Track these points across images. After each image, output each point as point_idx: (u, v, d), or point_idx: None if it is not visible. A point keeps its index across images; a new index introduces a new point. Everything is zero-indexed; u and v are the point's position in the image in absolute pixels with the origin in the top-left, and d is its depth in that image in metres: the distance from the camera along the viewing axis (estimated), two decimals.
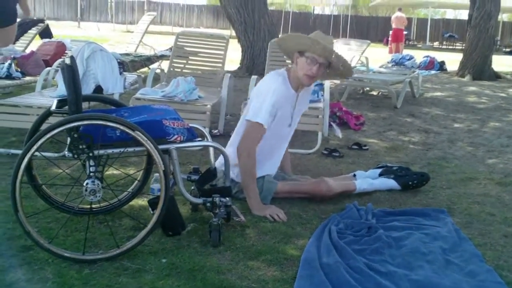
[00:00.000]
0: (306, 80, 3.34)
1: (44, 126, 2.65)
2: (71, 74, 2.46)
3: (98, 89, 5.14)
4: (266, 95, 3.29)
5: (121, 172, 3.68)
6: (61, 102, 2.73)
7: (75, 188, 3.28)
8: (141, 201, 3.34)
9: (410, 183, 3.82)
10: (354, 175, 3.91)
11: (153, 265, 2.57)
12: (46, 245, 2.51)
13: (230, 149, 3.40)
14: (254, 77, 5.53)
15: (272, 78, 3.40)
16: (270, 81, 3.37)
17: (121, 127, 2.46)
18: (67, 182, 3.56)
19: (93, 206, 2.99)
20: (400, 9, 20.34)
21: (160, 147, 2.58)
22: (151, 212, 2.95)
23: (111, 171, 3.80)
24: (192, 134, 2.80)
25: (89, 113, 2.51)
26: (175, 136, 2.69)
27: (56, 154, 4.04)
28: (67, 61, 2.44)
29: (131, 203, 3.25)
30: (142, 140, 2.48)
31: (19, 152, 2.54)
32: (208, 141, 2.98)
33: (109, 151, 2.60)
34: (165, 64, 7.42)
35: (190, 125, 2.95)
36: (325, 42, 3.23)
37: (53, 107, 2.65)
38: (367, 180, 3.77)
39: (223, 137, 5.15)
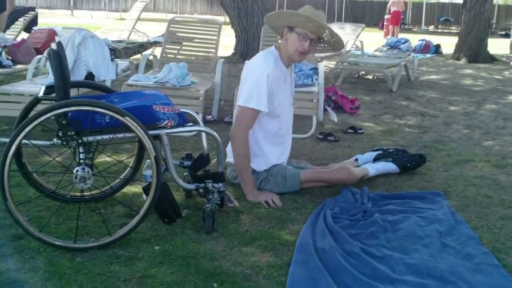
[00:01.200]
0: (297, 56, 3.26)
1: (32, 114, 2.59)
2: (57, 59, 2.40)
3: (90, 76, 5.08)
4: (255, 79, 3.21)
5: (113, 159, 3.64)
6: (49, 89, 2.67)
7: (67, 176, 3.23)
8: (134, 188, 3.30)
9: (408, 164, 3.79)
10: (356, 159, 3.86)
11: (145, 252, 2.53)
12: (37, 233, 2.47)
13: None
14: (247, 61, 5.47)
15: (265, 58, 3.30)
16: (263, 63, 3.27)
17: (110, 113, 2.41)
18: (58, 170, 3.51)
19: (85, 193, 2.95)
20: None
21: (151, 132, 2.54)
22: (145, 198, 2.91)
23: (103, 159, 3.75)
24: (183, 119, 2.75)
25: (77, 99, 2.46)
26: (166, 121, 2.64)
27: (48, 142, 3.99)
28: (54, 46, 2.38)
29: (124, 190, 3.21)
30: (131, 125, 2.43)
31: None
32: (199, 126, 2.93)
33: (99, 137, 2.55)
34: (158, 51, 7.34)
35: (182, 110, 2.90)
36: (318, 18, 3.15)
37: (41, 94, 2.60)
38: (371, 165, 3.72)
39: (217, 123, 5.11)
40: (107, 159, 3.71)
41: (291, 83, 3.48)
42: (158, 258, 2.48)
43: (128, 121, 2.42)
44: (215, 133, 2.82)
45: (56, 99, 2.47)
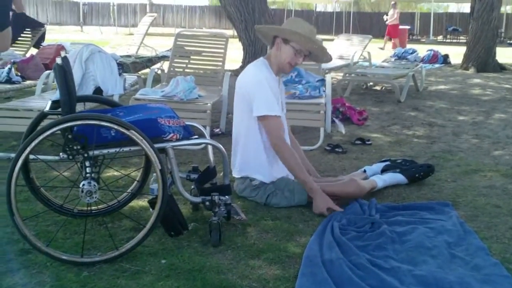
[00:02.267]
0: (288, 68, 3.37)
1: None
2: (63, 74, 2.42)
3: (98, 90, 5.11)
4: (263, 86, 3.25)
5: (121, 173, 3.65)
6: (56, 103, 2.69)
7: (75, 190, 3.24)
8: (142, 202, 3.30)
9: (416, 175, 3.77)
10: (364, 171, 3.85)
11: (152, 266, 2.53)
12: (44, 248, 2.48)
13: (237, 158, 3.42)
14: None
15: (256, 67, 3.36)
16: (257, 72, 3.32)
17: (115, 127, 2.42)
18: (66, 184, 3.52)
19: (92, 208, 2.96)
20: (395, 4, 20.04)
21: (156, 145, 2.54)
22: (152, 212, 2.90)
23: (111, 173, 3.77)
24: (189, 132, 2.75)
25: (82, 113, 2.47)
26: (171, 134, 2.64)
27: (57, 158, 4.01)
28: (59, 61, 2.40)
29: (131, 204, 3.22)
30: (137, 139, 2.43)
31: None
32: (204, 139, 2.94)
33: (105, 151, 2.56)
34: (166, 65, 7.38)
35: (188, 123, 2.91)
36: (317, 40, 3.25)
37: (47, 108, 2.62)
38: (379, 176, 3.71)
39: (225, 135, 5.11)
40: (115, 173, 3.72)
41: (281, 92, 3.50)
42: (165, 272, 2.47)
43: (134, 134, 2.43)
44: (220, 146, 2.82)
45: (62, 114, 2.48)
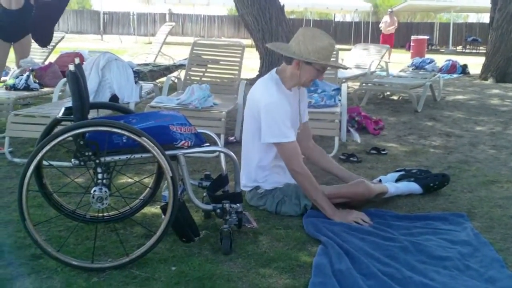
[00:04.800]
0: (309, 84, 3.35)
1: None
2: (75, 80, 2.44)
3: (114, 98, 5.15)
4: (273, 112, 3.17)
5: (133, 180, 3.66)
6: (69, 110, 2.71)
7: (87, 196, 3.25)
8: (154, 209, 3.30)
9: (431, 184, 3.72)
10: (380, 181, 3.81)
11: (162, 273, 2.52)
12: (54, 253, 2.49)
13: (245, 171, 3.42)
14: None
15: (266, 87, 3.26)
16: (267, 94, 3.22)
17: (127, 133, 2.43)
18: (79, 190, 3.54)
19: (104, 214, 2.97)
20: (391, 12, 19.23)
21: (168, 152, 2.54)
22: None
23: (124, 179, 3.78)
24: (200, 140, 2.75)
25: (94, 120, 2.49)
26: (183, 142, 2.64)
27: (68, 163, 4.05)
28: (71, 68, 2.42)
29: (143, 210, 3.22)
30: (148, 146, 2.44)
31: None
32: (216, 147, 2.93)
33: (116, 158, 2.56)
34: (183, 74, 7.42)
35: (201, 131, 2.91)
36: (333, 49, 3.23)
37: (60, 115, 2.64)
38: (391, 183, 3.68)
39: (239, 144, 5.09)
40: (128, 179, 3.73)
41: (299, 105, 3.41)
42: (174, 279, 2.47)
43: (145, 141, 2.44)
44: (232, 154, 2.82)
45: (74, 120, 2.50)
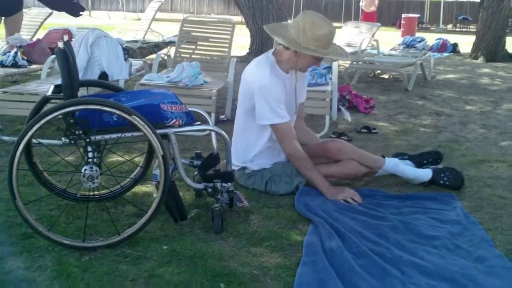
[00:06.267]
0: (306, 70, 3.36)
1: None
2: (64, 58, 2.41)
3: (104, 75, 5.10)
4: (265, 93, 3.14)
5: (124, 158, 3.64)
6: (58, 88, 2.67)
7: (78, 175, 3.24)
8: (145, 188, 3.30)
9: (424, 161, 3.70)
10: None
11: (154, 252, 2.53)
12: (46, 232, 2.48)
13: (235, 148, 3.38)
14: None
15: (259, 69, 3.22)
16: (259, 76, 3.18)
17: (118, 112, 2.41)
18: (70, 169, 3.52)
19: (95, 193, 2.96)
20: None
21: (158, 131, 2.53)
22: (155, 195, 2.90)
23: (115, 158, 3.76)
24: (191, 118, 2.73)
25: (84, 98, 2.46)
26: (173, 120, 2.62)
27: (59, 142, 4.02)
28: (60, 45, 2.39)
29: (134, 189, 3.21)
30: (139, 124, 2.42)
31: None
32: (208, 125, 2.92)
33: (106, 136, 2.55)
34: (173, 51, 7.36)
35: (192, 109, 2.89)
36: (333, 38, 3.19)
37: (49, 93, 2.61)
38: (393, 159, 3.59)
39: (231, 122, 5.08)
40: (119, 158, 3.71)
41: (296, 87, 3.39)
42: (166, 258, 2.47)
43: (136, 120, 2.42)
44: (223, 132, 2.80)
45: (63, 98, 2.47)
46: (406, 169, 3.53)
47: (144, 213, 2.60)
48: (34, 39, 7.00)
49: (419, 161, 3.69)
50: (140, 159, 3.42)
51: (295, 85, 3.37)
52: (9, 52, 5.87)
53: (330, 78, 5.35)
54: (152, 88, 3.18)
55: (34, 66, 5.92)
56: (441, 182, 3.45)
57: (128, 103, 2.59)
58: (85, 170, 2.52)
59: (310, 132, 3.71)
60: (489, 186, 3.56)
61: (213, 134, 3.10)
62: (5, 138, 4.34)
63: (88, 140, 2.48)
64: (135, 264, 2.41)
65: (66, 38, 2.53)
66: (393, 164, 3.50)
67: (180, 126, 2.66)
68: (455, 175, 3.47)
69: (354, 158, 3.37)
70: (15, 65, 5.73)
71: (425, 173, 3.50)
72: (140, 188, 3.28)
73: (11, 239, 2.61)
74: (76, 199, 3.00)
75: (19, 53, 5.84)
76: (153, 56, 8.56)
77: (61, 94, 2.54)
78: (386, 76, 8.60)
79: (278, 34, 3.20)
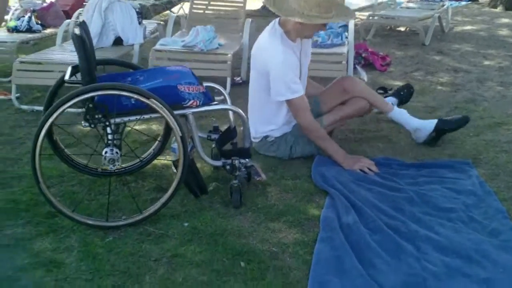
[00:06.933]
0: (312, 36, 3.36)
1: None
2: (81, 43, 2.42)
3: (118, 40, 5.10)
4: (281, 70, 3.15)
5: (142, 133, 3.68)
6: (75, 69, 2.69)
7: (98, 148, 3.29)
8: (163, 160, 3.35)
9: (401, 93, 4.10)
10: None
11: (175, 229, 2.60)
12: (70, 213, 2.56)
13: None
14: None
15: (273, 46, 3.18)
16: (274, 53, 3.16)
17: (136, 96, 2.44)
18: (90, 148, 3.57)
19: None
20: None
21: (176, 112, 2.56)
22: (174, 171, 2.94)
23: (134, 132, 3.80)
24: (209, 98, 2.75)
25: (103, 83, 2.48)
26: (191, 101, 2.65)
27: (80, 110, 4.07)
28: (76, 31, 2.40)
29: (153, 162, 3.27)
30: (157, 107, 2.45)
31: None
32: (225, 105, 2.93)
33: (125, 119, 2.59)
34: (186, 6, 7.27)
35: (208, 84, 2.91)
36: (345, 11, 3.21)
37: (67, 77, 2.63)
38: (400, 110, 3.62)
39: (246, 84, 5.07)
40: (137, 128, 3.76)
41: (301, 56, 3.35)
42: (187, 236, 2.55)
43: (154, 103, 2.45)
44: (240, 111, 2.82)
45: (82, 83, 2.50)
46: (412, 118, 3.58)
47: (165, 188, 2.65)
48: (48, 1, 6.95)
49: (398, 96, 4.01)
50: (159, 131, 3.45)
51: (302, 51, 3.36)
52: (23, 16, 5.85)
53: (346, 37, 5.28)
54: (168, 66, 3.17)
55: (48, 31, 5.90)
56: (446, 128, 3.59)
57: (146, 83, 2.62)
58: (106, 152, 2.57)
59: (320, 87, 3.73)
60: (505, 152, 3.55)
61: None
62: (24, 107, 4.40)
63: (107, 123, 2.52)
64: (157, 243, 2.49)
65: (82, 18, 2.52)
66: (399, 113, 3.56)
67: (197, 106, 2.68)
68: (458, 117, 3.68)
69: (366, 95, 3.48)
70: (29, 30, 5.71)
71: (430, 122, 3.60)
72: (159, 161, 3.33)
73: (36, 218, 2.69)
74: (97, 174, 3.06)
75: (33, 18, 5.82)
76: (166, 12, 8.51)
77: (79, 80, 2.55)
78: (402, 29, 8.44)
79: (278, 7, 3.13)
